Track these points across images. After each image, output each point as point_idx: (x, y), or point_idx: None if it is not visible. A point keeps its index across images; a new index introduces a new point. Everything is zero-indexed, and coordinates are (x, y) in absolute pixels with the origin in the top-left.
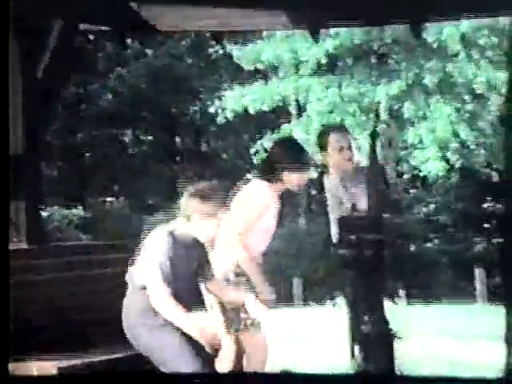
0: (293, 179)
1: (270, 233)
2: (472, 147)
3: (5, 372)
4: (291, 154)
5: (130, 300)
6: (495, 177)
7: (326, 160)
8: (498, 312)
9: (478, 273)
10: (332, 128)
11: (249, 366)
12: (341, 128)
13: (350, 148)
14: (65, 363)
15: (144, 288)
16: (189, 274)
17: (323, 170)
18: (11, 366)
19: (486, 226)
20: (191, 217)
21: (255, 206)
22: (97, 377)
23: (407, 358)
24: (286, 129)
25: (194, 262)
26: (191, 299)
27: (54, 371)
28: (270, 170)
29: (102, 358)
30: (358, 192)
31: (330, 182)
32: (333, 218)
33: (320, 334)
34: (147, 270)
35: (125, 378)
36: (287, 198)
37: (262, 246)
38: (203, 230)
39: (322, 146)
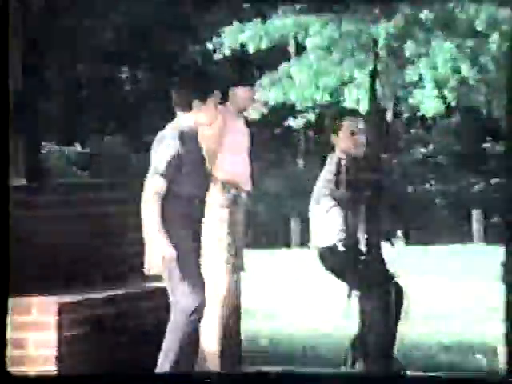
0: (238, 95)
1: (241, 153)
2: (472, 84)
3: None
4: (233, 71)
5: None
6: (496, 116)
7: (337, 143)
8: (495, 252)
9: (476, 214)
10: (345, 112)
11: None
12: (353, 113)
13: (361, 133)
14: (65, 299)
15: None
16: (200, 167)
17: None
18: (11, 302)
19: (484, 166)
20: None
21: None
22: (96, 378)
23: (404, 297)
24: (285, 68)
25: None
26: (202, 194)
27: (55, 307)
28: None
29: (102, 295)
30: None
31: (330, 163)
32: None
33: (317, 274)
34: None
35: (127, 379)
36: (282, 138)
37: (240, 168)
38: (205, 118)
39: (334, 130)
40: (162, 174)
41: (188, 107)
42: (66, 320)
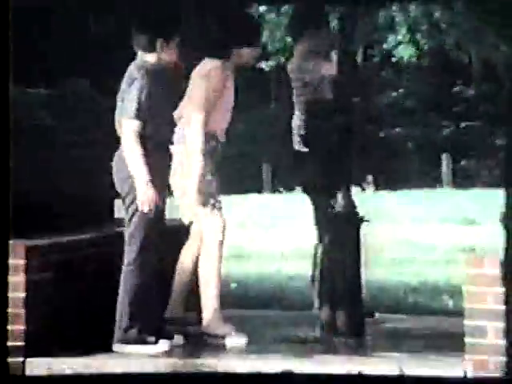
0: (243, 54)
1: (229, 110)
2: (443, 27)
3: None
4: (241, 29)
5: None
6: (466, 60)
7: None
8: (464, 195)
9: (445, 158)
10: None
11: (204, 247)
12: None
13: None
14: (35, 242)
15: None
16: (168, 110)
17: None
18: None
19: (454, 110)
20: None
21: (211, 87)
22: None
23: (373, 241)
24: (254, 10)
25: (172, 95)
26: (168, 136)
27: (23, 250)
28: (220, 48)
29: (71, 238)
30: (324, 64)
31: (293, 64)
32: (297, 101)
33: (288, 219)
34: (122, 108)
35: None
36: (254, 81)
37: (224, 123)
38: (168, 58)
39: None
40: (135, 116)
41: (152, 47)
42: (34, 263)
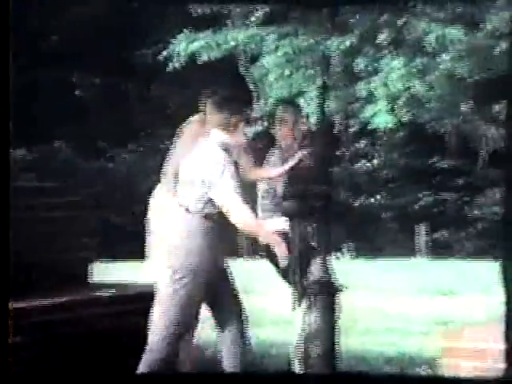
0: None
1: None
2: (423, 100)
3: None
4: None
5: (188, 224)
6: (443, 132)
7: (274, 132)
8: (440, 266)
9: (421, 228)
10: (282, 104)
11: None
12: (290, 105)
13: (295, 125)
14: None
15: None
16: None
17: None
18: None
19: (432, 181)
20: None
21: (183, 143)
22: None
23: (348, 310)
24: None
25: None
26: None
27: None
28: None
29: (49, 302)
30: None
31: (273, 154)
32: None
33: (267, 284)
34: (221, 194)
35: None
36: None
37: None
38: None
39: (272, 115)
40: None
41: (230, 126)
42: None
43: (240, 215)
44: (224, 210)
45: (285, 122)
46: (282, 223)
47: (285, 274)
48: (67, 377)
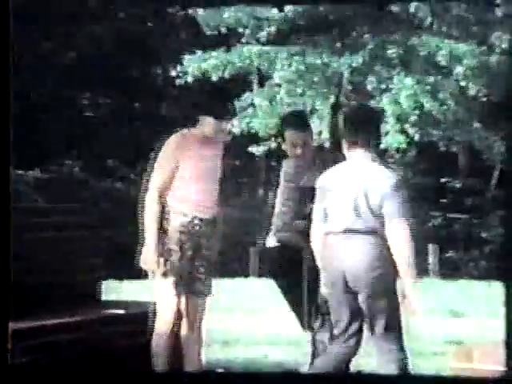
0: (206, 124)
1: (203, 179)
2: (434, 119)
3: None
4: (209, 99)
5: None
6: (455, 151)
7: (285, 149)
8: (451, 287)
9: (432, 248)
10: (290, 122)
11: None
12: (299, 123)
13: (304, 145)
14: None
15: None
16: None
17: (283, 153)
18: None
19: (442, 201)
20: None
21: (163, 157)
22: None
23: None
24: (247, 97)
25: None
26: None
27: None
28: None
29: (56, 321)
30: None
31: (286, 166)
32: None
33: (275, 304)
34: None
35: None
36: (244, 165)
37: (205, 194)
38: None
39: (282, 135)
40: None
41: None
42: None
43: None
44: None
45: (294, 143)
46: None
47: (291, 297)
48: None
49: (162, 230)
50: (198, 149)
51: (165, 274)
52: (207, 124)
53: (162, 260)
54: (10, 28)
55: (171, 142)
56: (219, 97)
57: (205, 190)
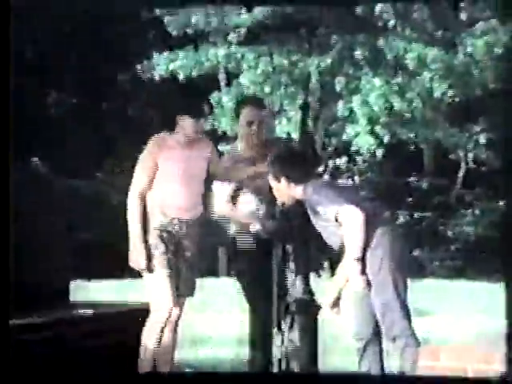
0: (186, 125)
1: (184, 180)
2: (402, 119)
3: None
4: (182, 98)
5: None
6: (422, 150)
7: (238, 130)
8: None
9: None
10: (248, 101)
11: None
12: (256, 102)
13: (260, 124)
14: None
15: None
16: None
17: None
18: None
19: (408, 200)
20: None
21: (142, 159)
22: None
23: (330, 329)
24: (215, 97)
25: None
26: None
27: None
28: (166, 119)
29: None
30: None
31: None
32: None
33: (245, 303)
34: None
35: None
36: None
37: (185, 195)
38: None
39: (237, 116)
40: None
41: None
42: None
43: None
44: None
45: (249, 121)
46: (252, 202)
47: (250, 294)
48: None
49: (145, 230)
50: (179, 150)
51: (152, 270)
52: (187, 124)
53: (146, 254)
54: None
55: (151, 144)
56: (192, 95)
57: (185, 192)
